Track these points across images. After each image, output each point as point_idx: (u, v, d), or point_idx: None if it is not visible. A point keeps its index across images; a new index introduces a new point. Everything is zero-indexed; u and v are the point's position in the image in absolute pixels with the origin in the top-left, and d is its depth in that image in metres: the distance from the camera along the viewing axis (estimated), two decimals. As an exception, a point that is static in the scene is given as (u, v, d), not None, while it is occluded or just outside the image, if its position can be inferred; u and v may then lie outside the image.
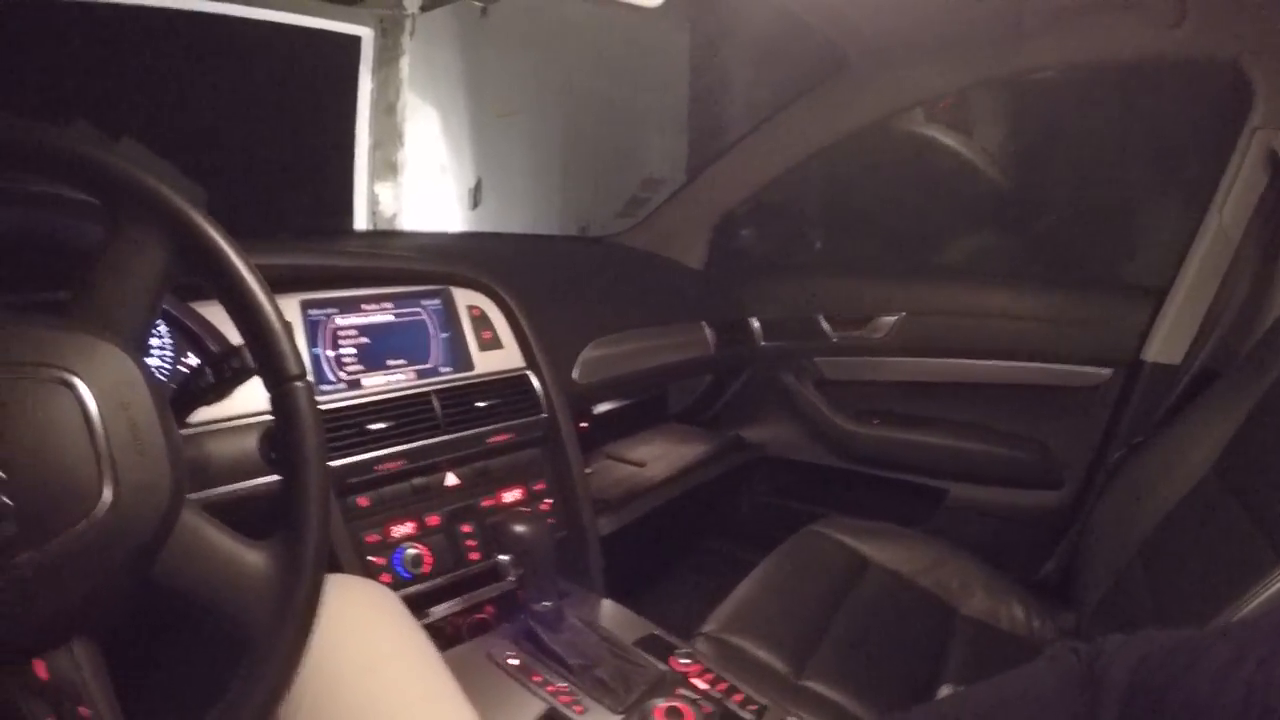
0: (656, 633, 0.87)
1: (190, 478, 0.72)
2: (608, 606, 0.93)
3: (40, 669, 0.45)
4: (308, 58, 1.67)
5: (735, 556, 1.72)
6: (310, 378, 0.84)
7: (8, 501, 0.42)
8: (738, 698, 0.77)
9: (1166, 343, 1.26)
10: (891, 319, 1.54)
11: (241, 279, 0.51)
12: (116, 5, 1.36)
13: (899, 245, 2.11)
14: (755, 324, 1.67)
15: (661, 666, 0.80)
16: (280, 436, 0.52)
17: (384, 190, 1.80)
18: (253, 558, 0.50)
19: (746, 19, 2.11)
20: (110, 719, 0.46)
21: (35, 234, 0.69)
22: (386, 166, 1.81)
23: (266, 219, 1.59)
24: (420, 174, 1.85)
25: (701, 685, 0.78)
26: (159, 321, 0.79)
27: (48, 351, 0.45)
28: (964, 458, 1.50)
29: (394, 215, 1.80)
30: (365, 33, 1.75)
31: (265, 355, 0.52)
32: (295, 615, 0.49)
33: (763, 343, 1.67)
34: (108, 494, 0.44)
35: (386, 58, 1.86)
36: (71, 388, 0.44)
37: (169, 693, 0.74)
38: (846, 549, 1.18)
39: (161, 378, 0.78)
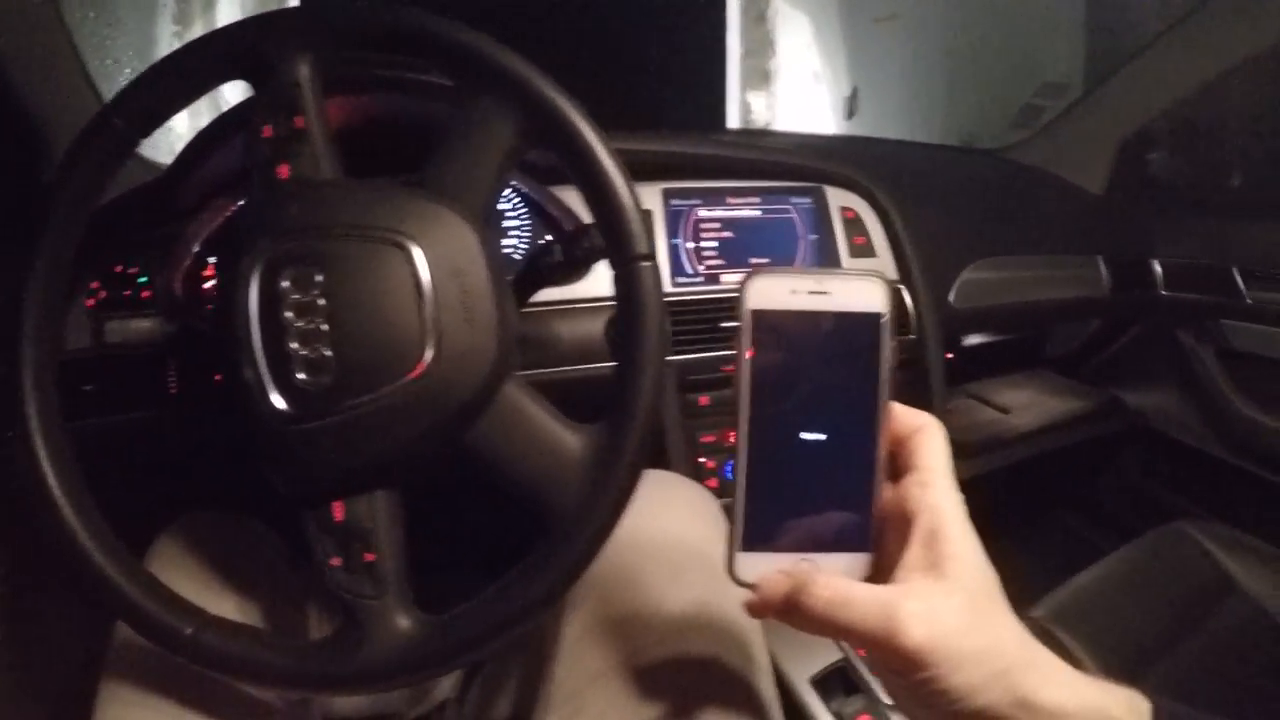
0: None
1: (534, 354, 0.72)
2: None
3: (337, 510, 0.47)
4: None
5: (1083, 536, 1.54)
6: (663, 263, 0.78)
7: (328, 353, 0.44)
8: None
9: None
10: (1323, 284, 1.16)
11: (592, 152, 0.47)
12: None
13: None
14: (1158, 268, 1.39)
15: None
16: (620, 319, 0.48)
17: (756, 98, 1.79)
18: (571, 440, 0.47)
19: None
20: (392, 567, 0.47)
21: (387, 120, 0.71)
22: (758, 75, 1.79)
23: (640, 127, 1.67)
24: (793, 82, 1.81)
25: None
26: (521, 204, 0.80)
27: (385, 216, 0.46)
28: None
29: (767, 123, 1.79)
30: (727, -60, 1.72)
31: (612, 233, 0.48)
32: (603, 504, 0.46)
33: (1163, 291, 1.39)
34: (429, 356, 0.44)
35: (753, -34, 1.83)
36: (405, 250, 0.45)
37: (461, 555, 0.79)
38: (1212, 562, 0.97)
39: (517, 258, 0.80)
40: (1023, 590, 0.90)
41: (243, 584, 0.62)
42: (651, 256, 0.48)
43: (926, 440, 0.38)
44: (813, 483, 0.38)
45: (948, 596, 0.34)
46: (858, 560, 0.38)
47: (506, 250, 0.81)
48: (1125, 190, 1.50)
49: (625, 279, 0.48)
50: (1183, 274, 1.36)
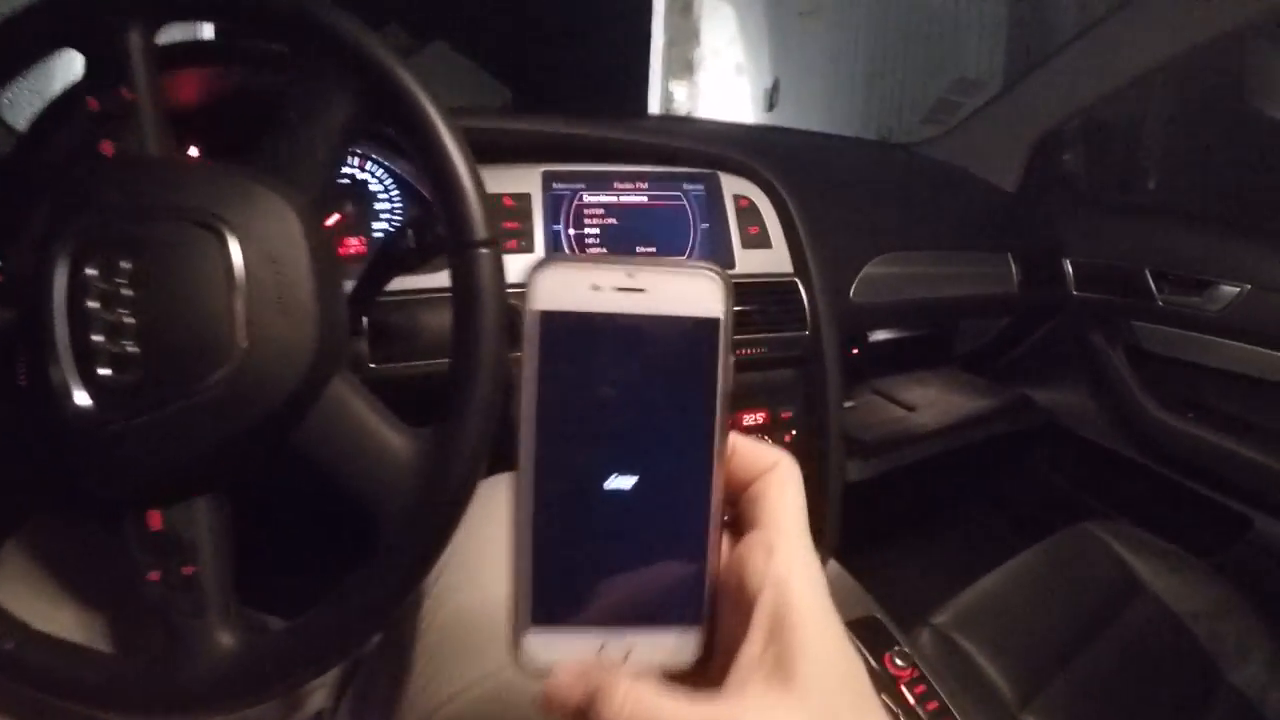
0: (879, 617, 0.76)
1: (396, 346, 0.66)
2: (833, 570, 0.82)
3: (154, 519, 0.44)
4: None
5: (993, 534, 1.55)
6: (540, 250, 0.75)
7: (134, 350, 0.41)
8: None
9: None
10: (1233, 289, 1.17)
11: (432, 128, 0.44)
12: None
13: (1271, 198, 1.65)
14: (1069, 267, 1.40)
15: (872, 663, 0.69)
16: (455, 312, 0.45)
17: (679, 88, 1.78)
18: (399, 443, 0.44)
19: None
20: (214, 583, 0.44)
21: (240, 97, 0.67)
22: (682, 65, 1.78)
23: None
24: (717, 73, 1.80)
25: (909, 698, 0.67)
26: (392, 184, 0.77)
27: (203, 197, 0.43)
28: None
29: (688, 113, 1.79)
30: (655, -68, 1.70)
31: (449, 216, 0.45)
32: (433, 514, 0.43)
33: (1075, 291, 1.40)
34: (241, 351, 0.41)
35: (680, -42, 1.81)
36: (219, 235, 0.42)
37: (294, 569, 0.75)
38: (1119, 562, 0.98)
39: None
40: (927, 590, 0.89)
41: (87, 595, 0.59)
42: (492, 243, 0.45)
43: (775, 486, 0.29)
44: (625, 538, 0.29)
45: (794, 713, 0.25)
46: (686, 639, 0.29)
47: (376, 233, 0.76)
48: (1038, 189, 1.51)
49: (460, 268, 0.44)
50: (1094, 274, 1.37)
